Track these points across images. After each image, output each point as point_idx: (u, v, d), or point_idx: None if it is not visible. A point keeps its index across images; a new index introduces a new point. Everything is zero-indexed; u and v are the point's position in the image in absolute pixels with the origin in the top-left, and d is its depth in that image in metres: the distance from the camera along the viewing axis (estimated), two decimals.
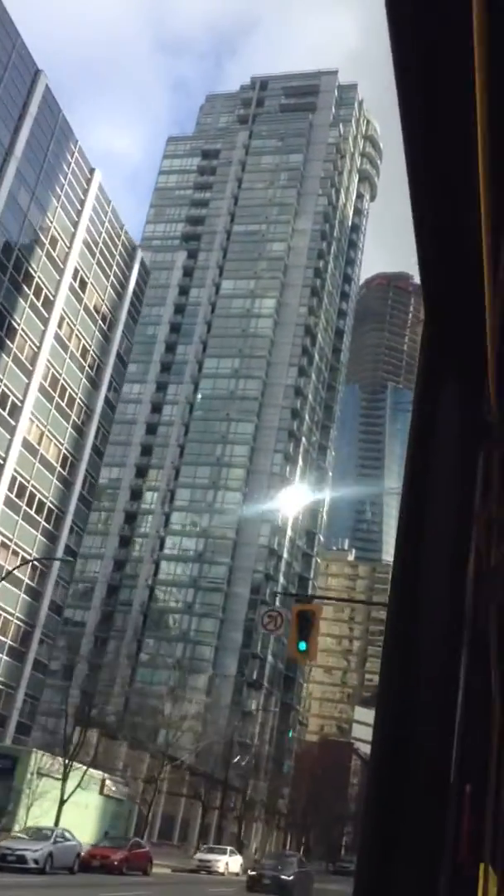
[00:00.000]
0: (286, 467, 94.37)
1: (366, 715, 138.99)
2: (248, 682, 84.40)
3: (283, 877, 26.99)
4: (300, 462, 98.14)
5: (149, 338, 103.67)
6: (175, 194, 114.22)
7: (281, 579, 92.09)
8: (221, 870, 40.79)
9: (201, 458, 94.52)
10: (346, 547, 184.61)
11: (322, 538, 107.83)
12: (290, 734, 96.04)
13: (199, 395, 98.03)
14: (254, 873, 28.58)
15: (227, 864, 41.83)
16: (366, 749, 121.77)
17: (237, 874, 43.71)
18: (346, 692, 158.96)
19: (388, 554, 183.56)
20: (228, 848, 45.18)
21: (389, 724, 1.03)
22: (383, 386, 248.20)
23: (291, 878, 27.26)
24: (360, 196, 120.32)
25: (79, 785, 35.92)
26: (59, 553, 60.29)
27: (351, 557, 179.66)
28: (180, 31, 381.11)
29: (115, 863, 28.57)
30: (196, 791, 59.00)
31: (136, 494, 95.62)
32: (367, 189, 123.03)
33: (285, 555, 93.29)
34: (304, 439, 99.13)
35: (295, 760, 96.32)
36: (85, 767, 38.94)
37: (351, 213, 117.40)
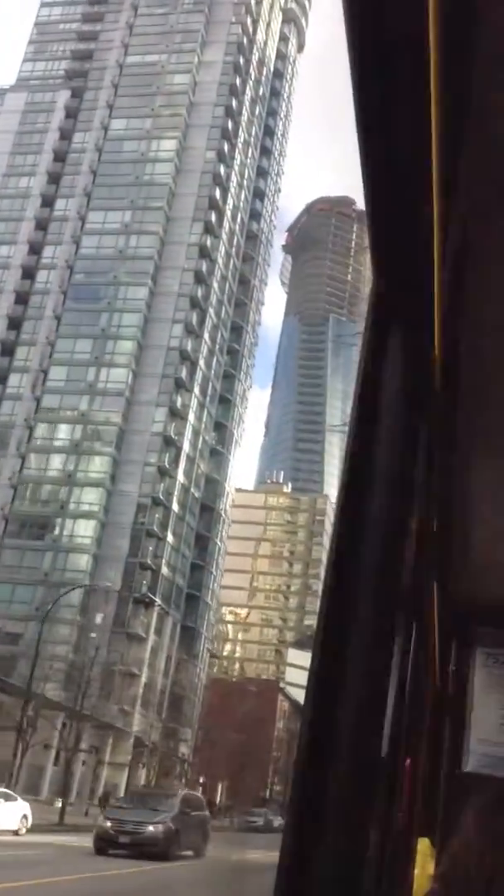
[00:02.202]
0: (188, 341, 76.33)
1: (299, 657, 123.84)
2: (135, 598, 67.09)
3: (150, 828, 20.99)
4: (207, 338, 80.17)
5: (21, 191, 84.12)
6: (59, 28, 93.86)
7: (180, 476, 74.51)
8: None
9: (82, 330, 75.93)
10: (281, 480, 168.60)
11: (239, 437, 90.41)
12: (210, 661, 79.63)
13: (80, 255, 79.03)
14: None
15: None
16: (295, 693, 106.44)
17: (15, 832, 26.66)
18: (282, 639, 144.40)
19: (327, 492, 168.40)
20: None
21: (320, 700, 1.01)
22: (325, 318, 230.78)
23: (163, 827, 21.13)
24: (284, 39, 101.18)
25: None
26: None
27: (287, 490, 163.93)
28: None
29: None
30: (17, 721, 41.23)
31: (1, 378, 76.63)
32: (293, 33, 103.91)
33: (187, 447, 75.67)
34: (211, 312, 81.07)
35: (205, 698, 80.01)
36: None
37: (273, 55, 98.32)
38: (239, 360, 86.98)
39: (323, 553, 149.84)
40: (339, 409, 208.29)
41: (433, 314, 1.13)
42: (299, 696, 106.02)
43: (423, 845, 2.43)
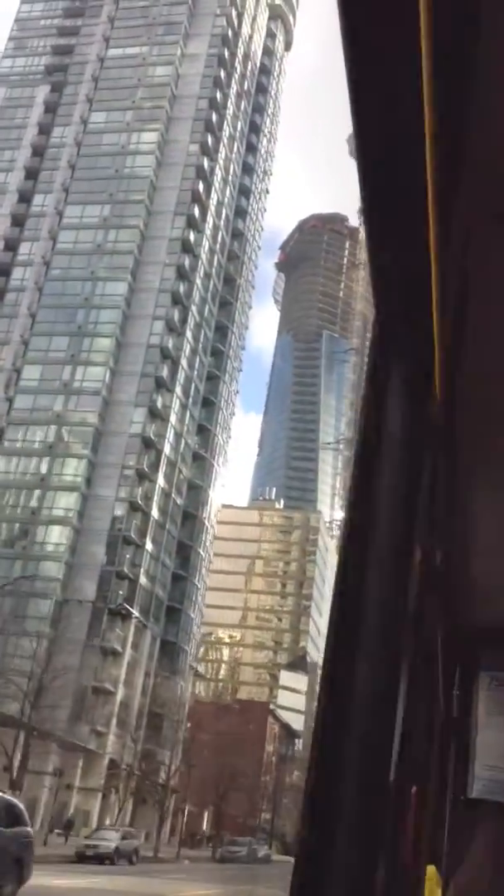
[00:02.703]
0: (169, 339, 72.45)
1: (291, 679, 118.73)
2: (110, 609, 62.46)
3: None
4: (189, 337, 76.33)
5: None
6: (40, 24, 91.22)
7: (161, 480, 70.19)
8: None
9: (57, 328, 72.08)
10: (273, 497, 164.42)
11: (224, 443, 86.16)
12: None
13: (56, 250, 75.40)
14: None
15: None
16: (287, 716, 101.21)
17: None
18: (277, 661, 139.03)
19: (320, 509, 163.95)
20: None
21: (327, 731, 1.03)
22: (318, 334, 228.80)
23: None
24: (270, 35, 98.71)
25: None
26: None
27: (279, 506, 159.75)
28: None
29: None
30: None
31: None
32: (279, 30, 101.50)
33: (167, 449, 71.45)
34: (194, 309, 77.32)
35: (189, 719, 74.92)
36: None
37: (259, 50, 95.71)
38: (224, 361, 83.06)
39: (316, 571, 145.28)
40: (332, 426, 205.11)
41: (434, 347, 1.14)
42: (290, 718, 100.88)
43: (431, 872, 2.42)
